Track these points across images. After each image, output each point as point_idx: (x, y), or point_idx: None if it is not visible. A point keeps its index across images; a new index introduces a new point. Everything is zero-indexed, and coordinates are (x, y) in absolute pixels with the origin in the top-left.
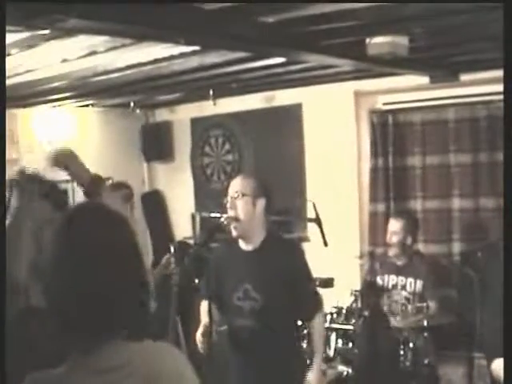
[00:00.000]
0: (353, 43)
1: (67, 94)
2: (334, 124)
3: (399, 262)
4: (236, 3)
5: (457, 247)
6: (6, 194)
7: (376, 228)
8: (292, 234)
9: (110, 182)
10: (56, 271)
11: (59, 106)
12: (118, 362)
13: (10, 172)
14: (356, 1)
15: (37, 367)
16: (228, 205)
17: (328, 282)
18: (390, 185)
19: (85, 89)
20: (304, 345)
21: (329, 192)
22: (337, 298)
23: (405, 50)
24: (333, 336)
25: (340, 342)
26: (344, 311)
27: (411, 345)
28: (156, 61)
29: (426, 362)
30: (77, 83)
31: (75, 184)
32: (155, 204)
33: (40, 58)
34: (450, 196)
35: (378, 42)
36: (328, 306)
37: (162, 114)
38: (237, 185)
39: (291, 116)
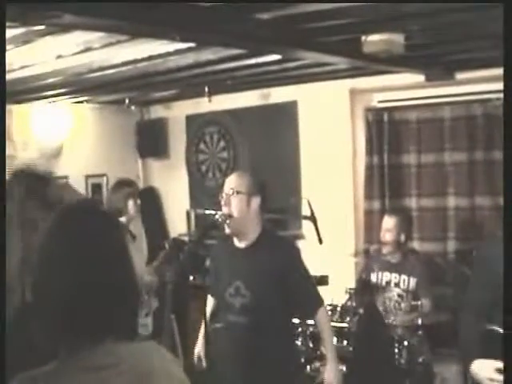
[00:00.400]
0: (348, 41)
1: (62, 90)
2: (330, 122)
3: (393, 260)
4: (231, 1)
5: (452, 245)
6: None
7: (371, 226)
8: (287, 232)
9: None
10: (45, 270)
11: (54, 102)
12: (107, 361)
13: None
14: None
15: (28, 366)
16: (222, 202)
17: (323, 280)
18: (385, 183)
19: (80, 85)
20: (299, 343)
21: (324, 189)
22: (331, 295)
23: (400, 48)
24: None
25: (335, 339)
26: (339, 309)
27: (406, 343)
28: (151, 57)
29: (420, 360)
30: (72, 79)
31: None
32: (150, 201)
33: (35, 53)
34: (445, 194)
35: (374, 40)
36: None
37: (157, 111)
38: (232, 182)
39: (286, 113)
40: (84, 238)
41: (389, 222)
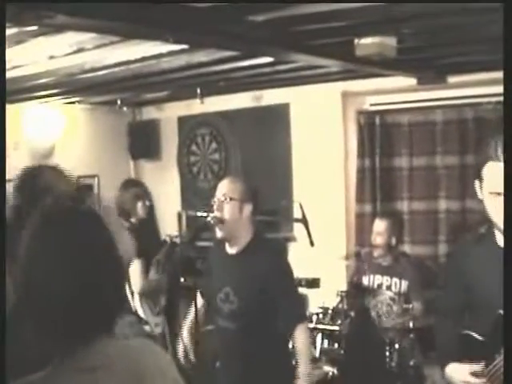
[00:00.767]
0: (341, 44)
1: (54, 91)
2: (322, 124)
3: (384, 263)
4: (225, 3)
5: (443, 249)
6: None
7: (362, 229)
8: (278, 234)
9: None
10: (31, 272)
11: (46, 102)
12: (101, 361)
13: None
14: (348, 1)
15: (23, 372)
16: (215, 207)
17: (314, 283)
18: (377, 186)
19: (72, 86)
20: (290, 346)
21: (315, 192)
22: (323, 298)
23: (393, 51)
24: (318, 336)
25: (326, 342)
26: (330, 312)
27: (397, 346)
28: (144, 59)
29: (411, 363)
30: (64, 80)
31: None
32: None
33: (27, 54)
34: (436, 197)
35: (367, 43)
36: (314, 306)
37: (149, 112)
38: (225, 187)
39: (279, 116)
40: (70, 237)
41: (380, 225)
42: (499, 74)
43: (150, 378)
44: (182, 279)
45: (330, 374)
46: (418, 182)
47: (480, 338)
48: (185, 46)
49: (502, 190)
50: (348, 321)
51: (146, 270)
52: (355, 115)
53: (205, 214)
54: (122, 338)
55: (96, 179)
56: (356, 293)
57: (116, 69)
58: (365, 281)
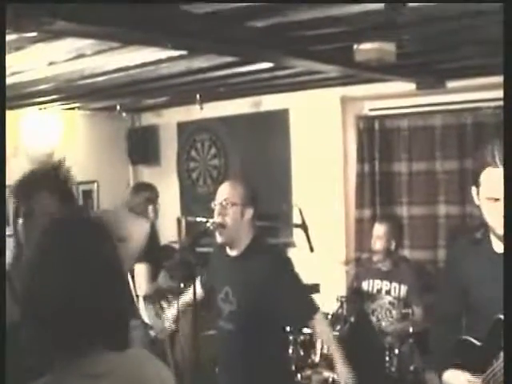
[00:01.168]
0: (340, 49)
1: (54, 97)
2: (321, 129)
3: (384, 267)
4: (224, 6)
5: (443, 254)
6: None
7: (362, 234)
8: (278, 239)
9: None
10: (35, 281)
11: (45, 108)
12: (101, 369)
13: None
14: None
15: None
16: (216, 211)
17: (314, 288)
18: (376, 190)
19: (71, 92)
20: (290, 351)
21: (315, 197)
22: (322, 303)
23: (392, 57)
24: (318, 341)
25: (325, 347)
26: (330, 317)
27: (397, 351)
28: (143, 64)
29: (411, 368)
30: (63, 86)
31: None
32: None
33: (27, 60)
34: (436, 202)
35: (366, 48)
36: None
37: (148, 118)
38: (226, 192)
39: (278, 121)
40: (73, 249)
41: (379, 229)
42: (498, 79)
43: None
44: (182, 285)
45: (330, 379)
46: (418, 187)
47: (478, 342)
48: (184, 52)
49: (499, 195)
50: (348, 326)
51: (151, 274)
52: (354, 120)
53: (204, 220)
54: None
55: (95, 185)
56: (356, 298)
57: (115, 75)
58: (364, 286)
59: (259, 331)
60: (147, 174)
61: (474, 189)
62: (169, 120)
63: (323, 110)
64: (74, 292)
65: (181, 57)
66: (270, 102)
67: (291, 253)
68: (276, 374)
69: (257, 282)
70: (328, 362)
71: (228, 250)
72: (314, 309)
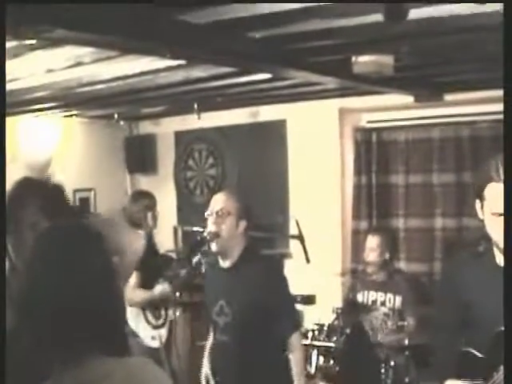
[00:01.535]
0: (338, 61)
1: (52, 104)
2: (318, 141)
3: (379, 279)
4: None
5: (439, 266)
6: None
7: (358, 245)
8: (274, 251)
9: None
10: (33, 288)
11: (43, 115)
12: (100, 373)
13: None
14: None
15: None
16: (212, 220)
17: (310, 299)
18: (373, 202)
19: (69, 99)
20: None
21: (312, 209)
22: (318, 315)
23: (390, 69)
24: (314, 353)
25: (321, 359)
26: (326, 328)
27: (392, 363)
28: (141, 73)
29: (406, 380)
30: (61, 93)
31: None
32: None
33: (25, 67)
34: (432, 215)
35: (364, 61)
36: (309, 322)
37: (146, 127)
38: (221, 202)
39: (275, 132)
40: (69, 257)
41: (372, 241)
42: (495, 93)
43: None
44: (178, 294)
45: None
46: (415, 200)
47: (480, 355)
48: (182, 62)
49: (503, 210)
50: (344, 337)
51: (142, 283)
52: (352, 132)
53: (201, 229)
54: None
55: (92, 193)
56: (351, 309)
57: (113, 83)
58: (360, 297)
59: (256, 342)
60: (144, 183)
61: (477, 202)
62: (166, 129)
63: (321, 122)
64: (69, 299)
65: (179, 66)
66: (267, 113)
67: (288, 264)
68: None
69: (251, 292)
70: (324, 374)
71: (220, 262)
72: (293, 327)
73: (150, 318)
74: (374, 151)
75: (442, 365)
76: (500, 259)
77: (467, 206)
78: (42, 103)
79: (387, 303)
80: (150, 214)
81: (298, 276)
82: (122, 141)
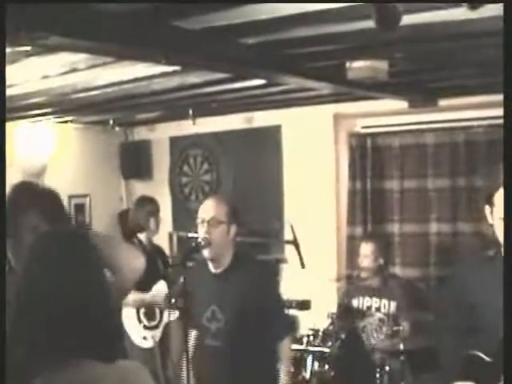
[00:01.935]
0: (333, 67)
1: (47, 110)
2: (313, 146)
3: (374, 284)
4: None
5: (434, 271)
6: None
7: (353, 251)
8: (269, 256)
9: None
10: (26, 289)
11: (39, 121)
12: (92, 376)
13: None
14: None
15: None
16: (204, 230)
17: (305, 304)
18: (368, 208)
19: (65, 105)
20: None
21: (307, 214)
22: (313, 320)
23: (384, 75)
24: (309, 358)
25: (316, 364)
26: (321, 333)
27: (387, 368)
28: (136, 79)
29: None
30: (57, 99)
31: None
32: None
33: (20, 73)
34: (427, 220)
35: (358, 66)
36: (305, 328)
37: (141, 132)
38: (212, 210)
39: (270, 137)
40: (61, 262)
41: (366, 248)
42: (490, 98)
43: None
44: (173, 300)
45: None
46: (409, 205)
47: (487, 358)
48: (177, 68)
49: None
50: (338, 343)
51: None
52: (347, 137)
53: (196, 235)
54: None
55: (87, 199)
56: (346, 315)
57: (108, 89)
58: (355, 303)
59: (248, 347)
60: (139, 189)
61: (487, 208)
62: (161, 135)
63: (315, 127)
64: (61, 304)
65: (174, 72)
66: (262, 118)
67: (283, 269)
68: None
69: (242, 297)
70: (319, 379)
71: (211, 267)
72: (284, 332)
73: (143, 318)
74: (368, 156)
75: (448, 368)
76: None
77: (462, 211)
78: (37, 109)
79: (382, 309)
80: (152, 219)
81: (293, 281)
82: (118, 147)
